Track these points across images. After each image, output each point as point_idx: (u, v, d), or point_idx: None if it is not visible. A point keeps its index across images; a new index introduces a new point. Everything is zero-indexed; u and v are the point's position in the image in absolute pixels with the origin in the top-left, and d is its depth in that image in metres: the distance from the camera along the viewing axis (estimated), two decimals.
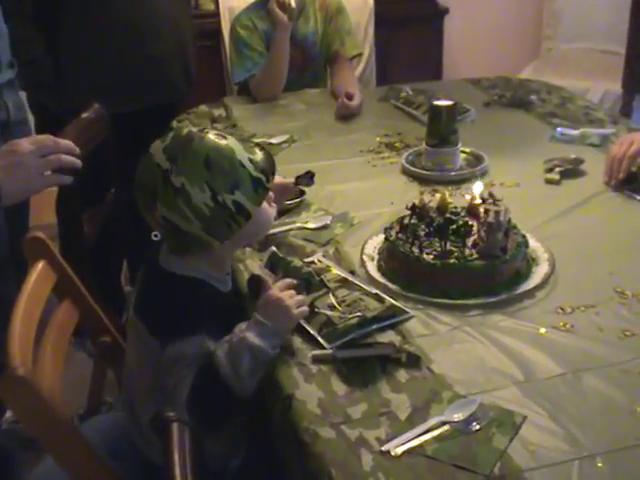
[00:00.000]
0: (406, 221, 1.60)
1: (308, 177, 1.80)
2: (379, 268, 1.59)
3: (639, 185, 1.91)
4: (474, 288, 1.49)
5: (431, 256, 1.51)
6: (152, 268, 1.46)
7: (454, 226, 1.55)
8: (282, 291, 1.39)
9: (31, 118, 2.14)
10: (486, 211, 1.55)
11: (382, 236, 1.64)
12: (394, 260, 1.56)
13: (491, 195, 1.60)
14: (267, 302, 1.37)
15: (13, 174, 1.48)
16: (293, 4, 2.62)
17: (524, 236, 1.59)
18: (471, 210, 1.61)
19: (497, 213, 1.52)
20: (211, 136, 1.37)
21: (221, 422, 1.36)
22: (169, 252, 1.44)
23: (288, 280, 1.45)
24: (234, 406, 1.35)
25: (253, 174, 1.37)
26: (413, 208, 1.61)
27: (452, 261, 1.50)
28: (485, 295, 1.48)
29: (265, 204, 1.44)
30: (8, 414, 2.20)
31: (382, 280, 1.55)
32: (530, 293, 1.50)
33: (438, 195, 1.67)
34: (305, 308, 1.39)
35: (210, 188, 1.33)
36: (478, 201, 1.60)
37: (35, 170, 1.50)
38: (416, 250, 1.53)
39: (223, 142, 1.37)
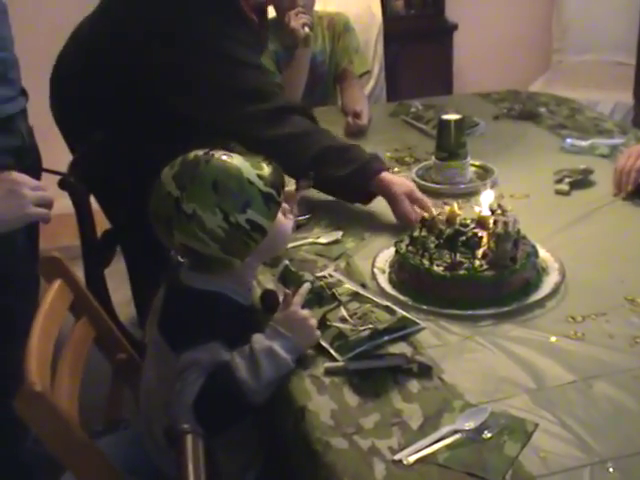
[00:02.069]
0: (416, 234, 1.61)
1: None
2: (390, 280, 1.61)
3: None
4: (484, 299, 1.50)
5: (441, 268, 1.53)
6: (173, 285, 1.48)
7: (463, 238, 1.56)
8: (303, 307, 1.41)
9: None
10: (495, 222, 1.56)
11: (393, 249, 1.66)
12: (404, 272, 1.58)
13: (500, 206, 1.61)
14: (291, 318, 1.39)
15: (9, 202, 1.52)
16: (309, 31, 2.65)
17: (534, 246, 1.60)
18: (480, 222, 1.62)
19: (505, 224, 1.53)
20: (217, 158, 1.39)
21: (225, 427, 1.37)
22: (189, 269, 1.46)
23: (302, 293, 1.45)
24: (242, 412, 1.37)
25: (263, 190, 1.38)
26: (422, 221, 1.63)
27: (462, 272, 1.51)
28: (495, 305, 1.49)
29: (280, 216, 1.46)
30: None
31: (393, 292, 1.56)
32: (540, 303, 1.51)
33: (448, 208, 1.68)
34: (319, 332, 1.41)
35: (221, 210, 1.35)
36: (487, 213, 1.61)
37: (28, 201, 1.53)
38: (426, 262, 1.54)
39: (229, 163, 1.39)
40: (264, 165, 1.42)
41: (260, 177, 1.39)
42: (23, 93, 2.06)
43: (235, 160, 1.40)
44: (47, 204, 1.57)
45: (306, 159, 1.90)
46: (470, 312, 1.48)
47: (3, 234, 1.59)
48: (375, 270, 1.64)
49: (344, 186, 1.91)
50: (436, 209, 1.74)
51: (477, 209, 1.66)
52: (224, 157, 1.40)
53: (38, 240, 2.20)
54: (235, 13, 2.11)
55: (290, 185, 1.78)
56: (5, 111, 1.92)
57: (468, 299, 1.50)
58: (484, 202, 1.65)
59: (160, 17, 2.07)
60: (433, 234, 1.60)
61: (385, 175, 1.88)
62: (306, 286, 1.47)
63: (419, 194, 1.85)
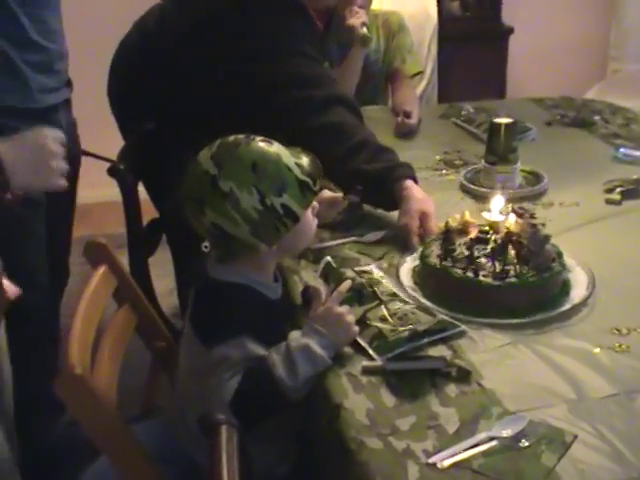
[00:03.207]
0: (448, 246, 1.57)
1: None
2: (427, 297, 1.54)
3: None
4: (532, 303, 1.48)
5: (489, 278, 1.49)
6: (201, 279, 1.49)
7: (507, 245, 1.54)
8: (338, 305, 1.40)
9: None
10: (532, 225, 1.56)
11: (410, 262, 1.65)
12: (445, 286, 1.53)
13: (524, 209, 1.59)
14: (327, 315, 1.38)
15: (38, 172, 1.54)
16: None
17: (555, 245, 1.58)
18: (493, 228, 1.59)
19: (543, 225, 1.56)
20: (258, 142, 1.41)
21: (262, 423, 1.37)
22: (216, 261, 1.47)
23: (341, 291, 1.45)
24: (280, 408, 1.37)
25: (300, 177, 1.39)
26: (446, 232, 1.60)
27: (513, 280, 1.48)
28: (541, 311, 1.47)
29: (309, 214, 1.46)
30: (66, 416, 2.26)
31: (438, 308, 1.49)
32: (582, 308, 1.49)
33: (458, 217, 1.65)
34: (357, 328, 1.41)
35: (258, 191, 1.36)
36: (498, 218, 1.60)
37: (57, 174, 1.55)
38: (470, 274, 1.50)
39: (269, 147, 1.40)
40: (303, 155, 1.43)
41: (298, 165, 1.40)
42: (68, 84, 2.09)
43: (275, 146, 1.42)
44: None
45: (342, 149, 1.89)
46: (524, 320, 1.46)
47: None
48: (407, 289, 1.58)
49: (369, 181, 1.85)
50: (452, 219, 1.66)
51: (486, 215, 1.64)
52: (264, 142, 1.41)
53: (71, 227, 2.23)
54: (299, 11, 2.13)
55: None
56: (47, 101, 1.96)
57: (519, 306, 1.48)
58: (494, 207, 1.64)
59: (228, 17, 2.10)
60: (455, 243, 1.57)
61: (411, 184, 1.84)
62: (347, 283, 1.47)
63: (432, 220, 1.77)
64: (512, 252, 1.52)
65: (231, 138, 1.42)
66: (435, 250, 1.59)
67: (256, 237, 1.39)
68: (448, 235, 1.58)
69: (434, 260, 1.56)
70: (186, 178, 1.42)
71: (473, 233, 1.58)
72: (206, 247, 1.49)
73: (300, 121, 1.91)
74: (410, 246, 1.73)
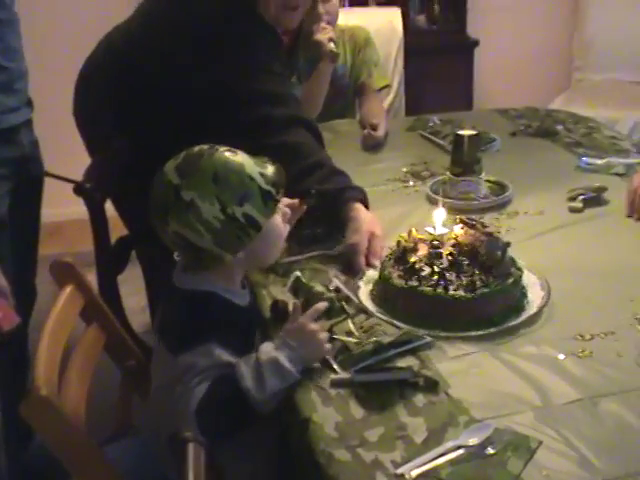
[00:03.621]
0: (406, 265, 1.55)
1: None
2: (396, 316, 1.51)
3: None
4: (505, 311, 1.50)
5: (460, 291, 1.48)
6: (168, 289, 1.49)
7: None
8: (314, 321, 1.41)
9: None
10: (488, 234, 1.58)
11: (366, 287, 1.63)
12: (416, 305, 1.52)
13: (471, 219, 1.61)
14: (300, 330, 1.39)
15: None
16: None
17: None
18: (438, 241, 1.60)
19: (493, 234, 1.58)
20: (221, 152, 1.42)
21: (227, 435, 1.38)
22: (181, 270, 1.47)
23: (317, 309, 1.44)
24: (246, 420, 1.37)
25: (263, 187, 1.40)
26: (403, 250, 1.59)
27: (485, 290, 1.48)
28: (509, 318, 1.49)
29: (279, 219, 1.48)
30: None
31: (409, 327, 1.47)
32: (540, 316, 1.51)
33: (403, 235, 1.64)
34: (330, 346, 1.41)
35: (219, 201, 1.37)
36: (441, 231, 1.61)
37: None
38: (441, 290, 1.49)
39: (233, 157, 1.42)
40: (268, 165, 1.44)
41: (262, 175, 1.41)
42: (29, 104, 2.09)
43: (239, 156, 1.43)
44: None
45: (296, 168, 1.86)
46: (504, 326, 1.47)
47: None
48: (366, 305, 1.57)
49: (319, 202, 1.84)
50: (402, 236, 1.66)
51: (429, 229, 1.64)
52: (228, 152, 1.43)
53: (36, 247, 2.22)
54: (256, 19, 2.14)
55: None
56: (8, 121, 1.96)
57: (498, 314, 1.49)
58: (437, 220, 1.65)
59: (197, 31, 2.12)
60: (419, 261, 1.56)
61: (360, 206, 1.84)
62: (322, 305, 1.46)
63: (380, 242, 1.76)
64: (464, 263, 1.53)
65: (196, 149, 1.43)
66: (393, 270, 1.57)
67: (219, 247, 1.39)
68: (405, 253, 1.58)
69: (398, 281, 1.54)
70: (152, 187, 1.43)
71: (423, 249, 1.58)
72: (177, 257, 1.50)
73: (260, 137, 1.92)
74: (356, 266, 1.71)
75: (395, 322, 1.48)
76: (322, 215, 1.85)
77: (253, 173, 1.41)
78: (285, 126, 1.99)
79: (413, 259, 1.56)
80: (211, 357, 1.36)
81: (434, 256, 1.56)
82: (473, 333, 1.46)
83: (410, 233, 1.63)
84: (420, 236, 1.62)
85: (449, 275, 1.51)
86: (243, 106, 2.03)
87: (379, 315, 1.51)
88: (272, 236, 1.48)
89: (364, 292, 1.62)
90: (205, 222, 1.37)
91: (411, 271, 1.54)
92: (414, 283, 1.52)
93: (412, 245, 1.60)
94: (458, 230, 1.61)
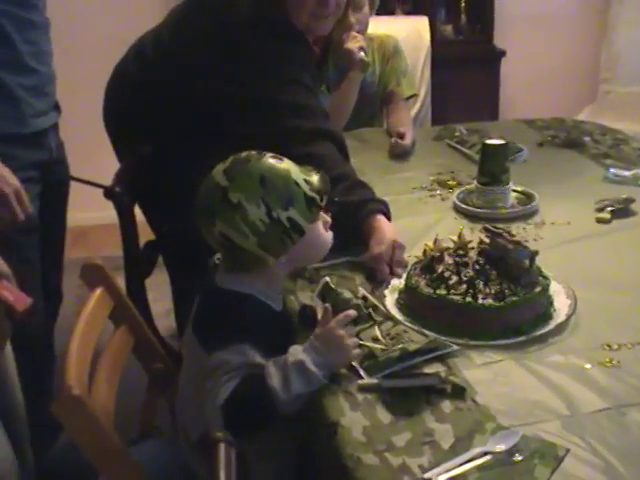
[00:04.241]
0: (434, 273, 1.57)
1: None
2: (426, 326, 1.52)
3: None
4: (533, 320, 1.50)
5: (489, 300, 1.49)
6: (209, 288, 1.52)
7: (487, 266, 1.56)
8: (343, 327, 1.41)
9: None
10: (516, 242, 1.58)
11: (392, 295, 1.64)
12: (444, 314, 1.52)
13: (500, 228, 1.62)
14: (329, 335, 1.39)
15: None
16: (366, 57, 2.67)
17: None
18: (464, 249, 1.61)
19: (519, 243, 1.58)
20: (268, 158, 1.46)
21: (250, 432, 1.39)
22: (224, 271, 1.50)
23: (348, 314, 1.44)
24: (269, 419, 1.39)
25: (307, 193, 1.44)
26: (432, 257, 1.61)
27: (514, 299, 1.49)
28: (537, 327, 1.49)
29: (321, 226, 1.50)
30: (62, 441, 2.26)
31: (440, 336, 1.48)
32: (567, 325, 1.51)
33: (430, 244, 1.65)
34: (359, 350, 1.42)
35: (265, 204, 1.41)
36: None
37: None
38: (470, 299, 1.50)
39: (279, 164, 1.46)
40: (313, 173, 1.48)
41: (307, 182, 1.45)
42: (56, 107, 2.12)
43: (285, 163, 1.47)
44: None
45: None
46: (530, 335, 1.48)
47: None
48: (393, 313, 1.57)
49: (341, 213, 1.79)
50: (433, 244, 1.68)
51: (454, 238, 1.66)
52: (275, 159, 1.47)
53: (63, 251, 2.26)
54: (290, 29, 2.16)
55: None
56: (39, 125, 1.99)
57: (525, 323, 1.49)
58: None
59: (227, 39, 2.14)
60: (446, 270, 1.57)
61: (383, 218, 1.85)
62: (352, 312, 1.46)
63: (404, 252, 1.77)
64: (492, 272, 1.55)
65: (244, 154, 1.47)
66: (420, 279, 1.58)
67: (263, 249, 1.42)
68: (432, 262, 1.59)
69: (426, 289, 1.55)
70: (200, 190, 1.46)
71: (449, 258, 1.59)
72: (218, 259, 1.54)
73: (286, 149, 1.94)
74: (381, 275, 1.72)
75: (423, 330, 1.49)
76: (343, 227, 1.86)
77: (299, 179, 1.44)
78: (311, 138, 2.01)
79: (440, 268, 1.57)
80: (244, 357, 1.37)
81: (461, 264, 1.57)
82: (501, 342, 1.46)
83: (436, 242, 1.64)
84: (446, 245, 1.63)
85: (477, 284, 1.52)
86: (270, 117, 2.05)
87: (406, 323, 1.52)
88: (314, 242, 1.51)
89: (390, 300, 1.63)
90: (251, 224, 1.40)
91: (439, 279, 1.55)
92: (442, 291, 1.53)
93: (438, 254, 1.61)
94: (484, 238, 1.61)
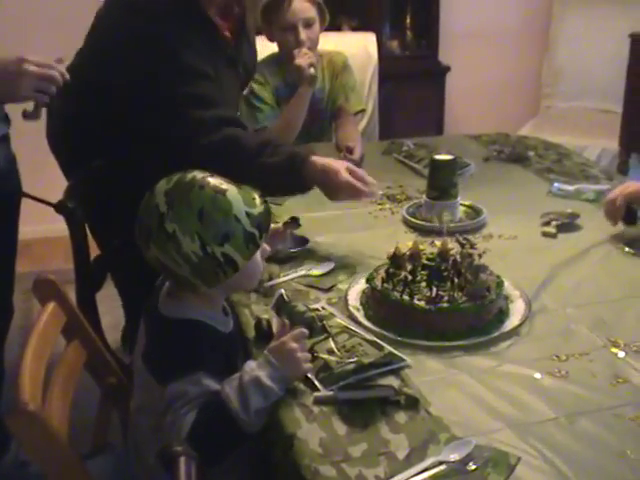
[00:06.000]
0: (392, 270, 1.64)
1: (295, 223, 1.91)
2: (368, 317, 1.63)
3: (634, 241, 1.96)
4: (465, 329, 1.56)
5: (422, 302, 1.57)
6: (152, 315, 1.51)
7: (445, 272, 1.60)
8: (297, 341, 1.42)
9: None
10: (463, 255, 1.62)
11: (360, 285, 1.73)
12: (384, 308, 1.61)
13: (467, 239, 1.65)
14: (281, 349, 1.40)
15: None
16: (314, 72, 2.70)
17: (498, 276, 1.66)
18: (442, 255, 1.65)
19: (479, 256, 1.62)
20: (212, 186, 1.42)
21: (222, 457, 1.39)
22: (167, 296, 1.49)
23: (303, 332, 1.46)
24: (238, 441, 1.39)
25: (247, 229, 1.41)
26: (392, 257, 1.66)
27: (445, 305, 1.56)
28: (476, 335, 1.55)
29: (257, 256, 1.49)
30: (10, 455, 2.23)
31: (375, 328, 1.58)
32: (517, 331, 1.57)
33: (409, 244, 1.69)
34: (310, 365, 1.43)
35: (200, 239, 1.38)
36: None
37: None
38: (406, 297, 1.58)
39: (222, 194, 1.41)
40: (257, 203, 1.45)
41: (248, 215, 1.42)
42: (6, 119, 2.09)
43: (230, 193, 1.42)
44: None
45: (245, 156, 2.00)
46: (455, 343, 1.53)
47: None
48: (350, 308, 1.67)
49: (278, 171, 1.99)
50: (402, 246, 1.70)
51: (437, 243, 1.70)
52: (219, 187, 1.42)
53: (14, 265, 2.22)
54: (196, 15, 2.17)
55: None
56: None
57: (450, 330, 1.55)
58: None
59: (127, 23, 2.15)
60: (404, 269, 1.63)
61: (316, 157, 1.99)
62: (305, 330, 1.46)
63: (353, 166, 1.97)
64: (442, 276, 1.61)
65: (188, 177, 1.43)
66: (381, 273, 1.67)
67: (197, 278, 1.42)
68: (395, 260, 1.64)
69: (377, 282, 1.64)
70: (142, 202, 1.44)
71: (423, 260, 1.65)
72: (159, 282, 1.53)
73: (195, 140, 2.02)
74: (356, 188, 1.91)
75: (378, 341, 1.52)
76: (286, 185, 2.00)
77: (240, 214, 1.41)
78: (217, 127, 2.07)
79: (407, 267, 1.63)
80: (199, 386, 1.37)
81: (424, 267, 1.63)
82: (453, 353, 1.51)
83: (413, 244, 1.68)
84: (422, 247, 1.68)
85: (421, 286, 1.60)
86: (172, 111, 2.09)
87: (361, 332, 1.55)
88: (250, 271, 1.50)
89: (355, 291, 1.73)
90: (184, 255, 1.39)
91: (391, 276, 1.63)
92: (388, 286, 1.62)
93: (410, 254, 1.66)
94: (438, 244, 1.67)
